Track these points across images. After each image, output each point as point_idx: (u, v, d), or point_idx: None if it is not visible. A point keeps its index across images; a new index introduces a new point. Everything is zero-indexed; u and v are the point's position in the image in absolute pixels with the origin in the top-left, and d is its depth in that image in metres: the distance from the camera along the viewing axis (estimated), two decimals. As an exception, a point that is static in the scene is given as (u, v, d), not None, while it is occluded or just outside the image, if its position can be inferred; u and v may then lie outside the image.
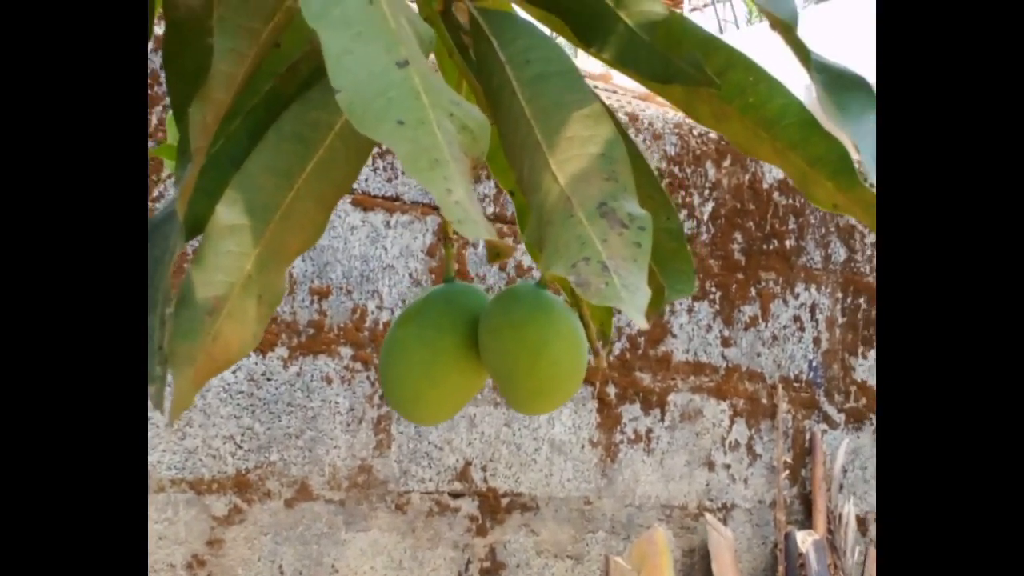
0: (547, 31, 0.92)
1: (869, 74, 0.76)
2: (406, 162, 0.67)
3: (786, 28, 0.78)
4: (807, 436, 3.09)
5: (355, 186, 2.55)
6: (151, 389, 0.78)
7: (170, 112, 1.34)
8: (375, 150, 1.65)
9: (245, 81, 0.89)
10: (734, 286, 2.99)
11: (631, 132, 2.86)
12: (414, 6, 0.96)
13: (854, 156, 0.85)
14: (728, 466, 3.00)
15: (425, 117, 0.69)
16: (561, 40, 1.01)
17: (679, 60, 0.87)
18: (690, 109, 0.92)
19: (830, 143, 0.85)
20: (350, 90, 0.70)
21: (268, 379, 2.46)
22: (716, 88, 0.87)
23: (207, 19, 0.95)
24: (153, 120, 2.39)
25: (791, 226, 3.08)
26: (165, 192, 2.39)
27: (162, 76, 2.36)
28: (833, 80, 0.79)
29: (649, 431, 2.90)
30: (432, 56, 1.01)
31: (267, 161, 0.86)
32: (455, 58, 0.92)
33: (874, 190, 0.79)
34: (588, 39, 0.91)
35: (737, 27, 10.07)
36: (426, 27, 0.78)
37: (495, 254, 0.91)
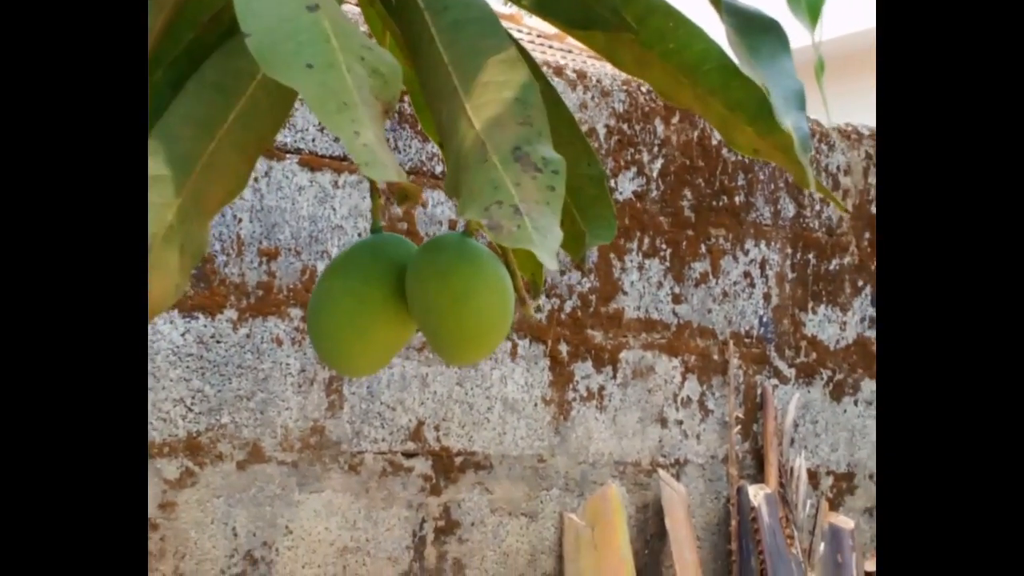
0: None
1: (782, 16, 0.77)
2: (313, 105, 0.67)
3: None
4: (758, 391, 3.11)
5: (302, 146, 2.54)
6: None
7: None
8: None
9: (164, 30, 0.89)
10: (684, 243, 3.00)
11: (579, 90, 2.85)
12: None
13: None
14: (680, 422, 3.02)
15: (335, 60, 0.69)
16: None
17: (598, 6, 0.87)
18: (612, 56, 0.92)
19: (749, 88, 0.86)
20: (259, 34, 0.70)
21: (218, 341, 2.46)
22: (635, 34, 0.87)
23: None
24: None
25: (740, 183, 3.09)
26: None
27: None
28: (744, 23, 0.80)
29: (601, 388, 2.91)
30: (357, 6, 1.01)
31: (188, 111, 0.85)
32: (376, 7, 0.92)
33: (791, 134, 0.79)
34: (509, -14, 0.91)
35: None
36: (340, -27, 0.78)
37: (403, 197, 0.91)
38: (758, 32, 0.80)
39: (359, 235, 2.61)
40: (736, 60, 0.82)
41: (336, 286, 0.93)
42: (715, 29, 0.88)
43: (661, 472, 2.96)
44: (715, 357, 3.06)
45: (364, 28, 0.98)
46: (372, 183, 0.97)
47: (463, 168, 0.74)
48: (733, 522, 3.01)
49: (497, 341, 0.91)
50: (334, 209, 2.58)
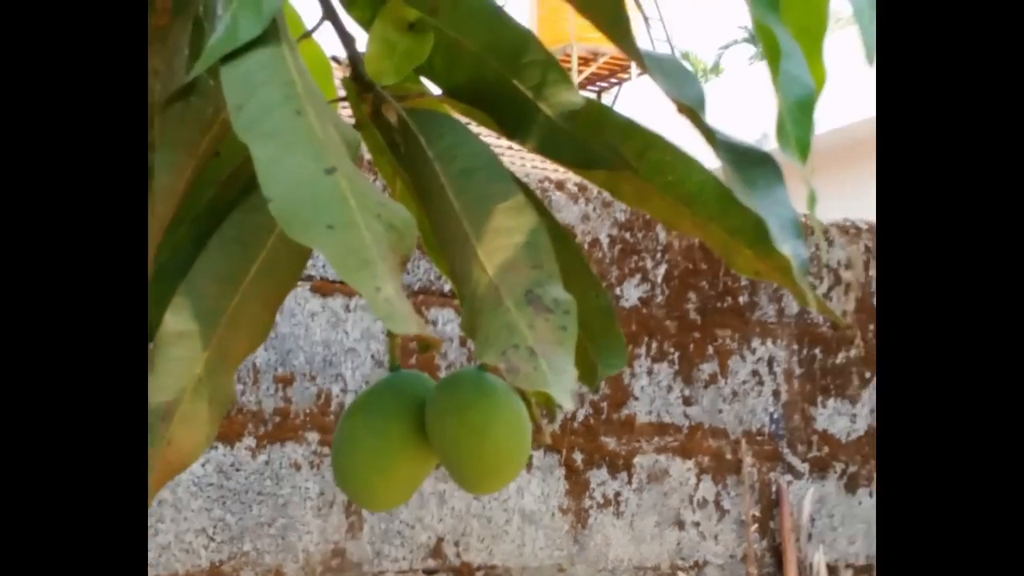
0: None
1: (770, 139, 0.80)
2: (335, 264, 0.70)
3: (692, 112, 0.83)
4: (773, 488, 3.12)
5: (314, 273, 2.59)
6: (110, 497, 0.80)
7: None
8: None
9: (186, 191, 0.93)
10: (692, 345, 3.04)
11: (580, 202, 2.91)
12: (344, 110, 1.00)
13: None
14: (697, 523, 3.03)
15: (353, 220, 0.73)
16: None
17: (599, 146, 0.91)
18: (614, 189, 0.96)
19: (746, 215, 0.89)
20: (281, 198, 0.74)
21: (237, 470, 2.48)
22: (634, 172, 0.91)
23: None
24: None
25: (743, 283, 3.13)
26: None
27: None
28: (739, 158, 0.84)
29: (617, 494, 2.92)
30: (367, 155, 1.05)
31: (211, 267, 0.89)
32: (387, 157, 0.96)
33: (788, 258, 0.82)
34: (511, 130, 0.95)
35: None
36: (353, 133, 0.82)
37: (425, 347, 0.95)
38: (752, 165, 0.84)
39: (371, 357, 2.65)
40: (732, 191, 0.86)
41: (358, 424, 0.96)
42: (708, 158, 0.92)
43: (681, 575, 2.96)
44: (728, 456, 3.08)
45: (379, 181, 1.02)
46: (391, 337, 1.01)
47: (478, 312, 0.77)
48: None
49: (516, 471, 0.94)
50: (346, 333, 2.62)
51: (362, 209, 0.74)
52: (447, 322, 2.74)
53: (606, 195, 2.94)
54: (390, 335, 1.00)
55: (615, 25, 0.84)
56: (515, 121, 0.95)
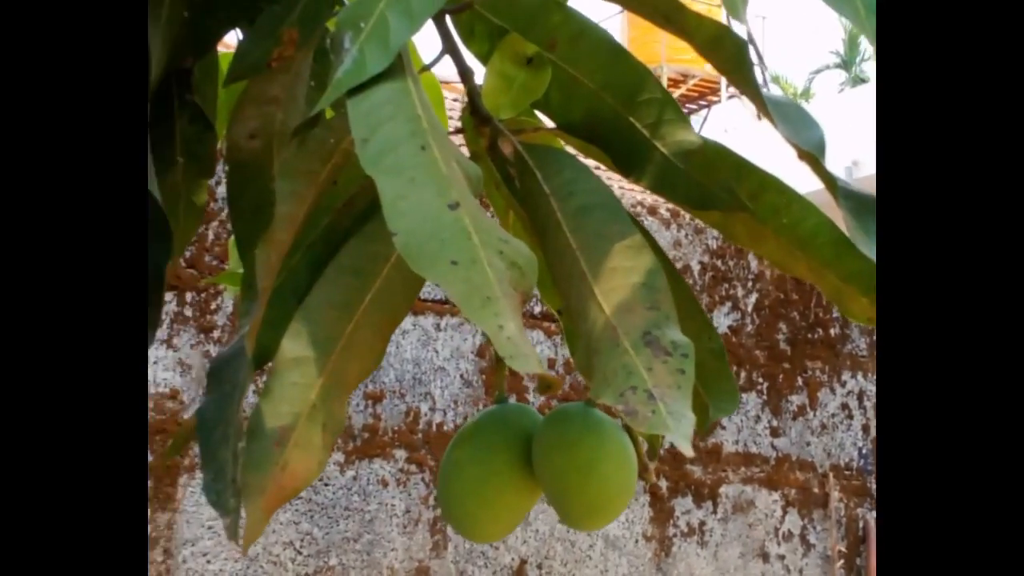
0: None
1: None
2: (459, 301, 0.71)
3: (813, 159, 0.82)
4: (860, 524, 3.09)
5: (405, 291, 2.61)
6: (226, 521, 0.81)
7: (232, 239, 1.40)
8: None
9: (305, 219, 0.95)
10: (781, 376, 3.01)
11: (672, 228, 2.90)
12: (460, 143, 1.01)
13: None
14: (782, 557, 3.00)
15: (476, 256, 0.73)
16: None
17: (714, 186, 0.91)
18: (726, 230, 0.96)
19: (862, 261, 0.89)
20: (405, 233, 0.74)
21: (325, 484, 2.50)
22: (750, 213, 0.91)
23: (267, 161, 1.01)
24: (210, 235, 2.46)
25: (835, 314, 3.11)
26: (222, 304, 2.45)
27: (217, 195, 2.43)
28: (858, 206, 0.83)
29: (702, 524, 2.91)
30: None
31: (328, 295, 0.90)
32: (502, 190, 0.96)
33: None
34: (627, 168, 0.95)
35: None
36: (475, 168, 0.82)
37: (545, 386, 0.95)
38: (871, 213, 0.84)
39: (460, 376, 2.66)
40: (852, 239, 0.85)
41: (464, 456, 0.97)
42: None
43: (765, 608, 2.94)
44: (815, 490, 3.05)
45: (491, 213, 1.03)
46: (498, 356, 1.01)
47: (595, 352, 0.78)
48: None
49: (621, 508, 0.94)
50: (436, 351, 2.64)
51: (485, 245, 0.74)
52: (536, 343, 2.75)
53: (699, 222, 2.93)
54: (499, 366, 1.00)
55: (738, 69, 0.84)
56: (630, 158, 0.96)
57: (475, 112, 0.98)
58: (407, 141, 0.79)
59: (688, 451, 0.69)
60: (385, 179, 0.77)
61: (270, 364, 0.88)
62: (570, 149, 1.01)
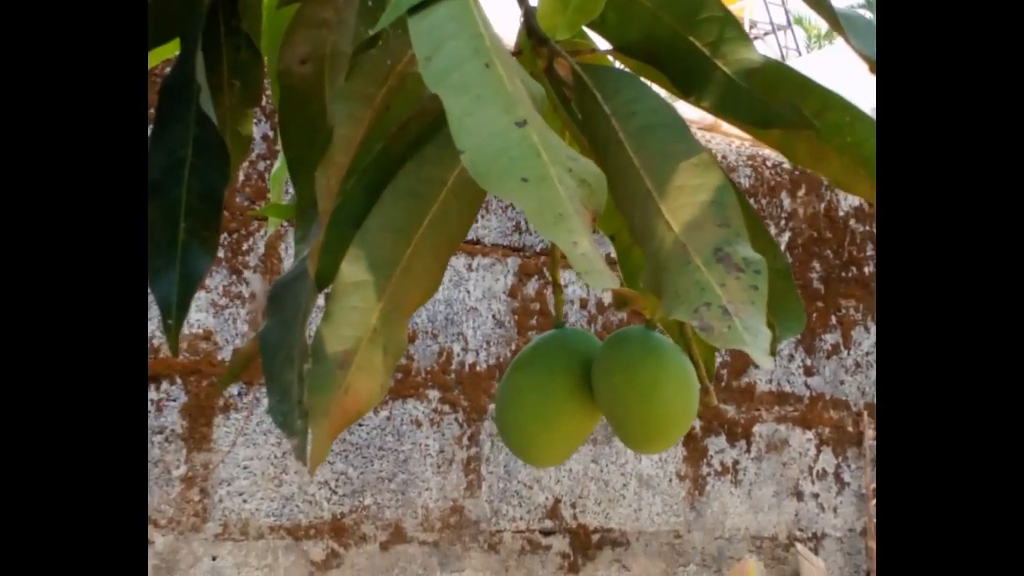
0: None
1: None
2: (533, 217, 0.70)
3: (885, 72, 0.81)
4: (895, 462, 3.08)
5: (437, 231, 2.60)
6: (293, 442, 0.81)
7: (273, 171, 1.39)
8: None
9: (361, 143, 0.94)
10: (815, 315, 3.00)
11: (706, 167, 2.88)
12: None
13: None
14: (816, 495, 3.00)
15: (546, 173, 0.72)
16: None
17: (777, 104, 0.90)
18: (788, 150, 0.94)
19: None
20: (473, 150, 0.73)
21: (359, 424, 2.50)
22: (815, 130, 0.90)
23: (319, 85, 1.00)
24: (240, 176, 2.45)
25: (869, 252, 3.08)
26: (254, 245, 2.44)
27: (258, 136, 2.42)
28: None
29: (736, 463, 2.90)
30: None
31: (385, 219, 0.89)
32: (559, 113, 0.95)
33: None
34: (686, 88, 0.94)
35: (799, 54, 10.09)
36: (538, 86, 0.81)
37: (622, 303, 0.94)
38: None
39: (492, 317, 2.65)
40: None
41: (523, 380, 0.96)
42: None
43: (799, 546, 2.94)
44: (849, 429, 3.04)
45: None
46: (554, 280, 1.00)
47: (664, 270, 0.76)
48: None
49: (683, 431, 0.94)
50: (468, 292, 2.63)
51: (554, 163, 0.73)
52: (569, 283, 2.74)
53: (730, 159, 2.91)
54: (556, 291, 0.99)
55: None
56: (690, 79, 0.94)
57: (531, 33, 0.96)
58: (471, 59, 0.78)
59: (768, 364, 0.68)
60: (451, 96, 0.75)
61: (328, 290, 0.87)
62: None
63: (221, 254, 2.40)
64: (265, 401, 2.40)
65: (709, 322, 0.71)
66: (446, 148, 0.92)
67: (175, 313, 0.86)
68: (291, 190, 1.06)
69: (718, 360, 2.88)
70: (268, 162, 2.45)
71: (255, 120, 2.39)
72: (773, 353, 0.96)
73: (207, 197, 0.89)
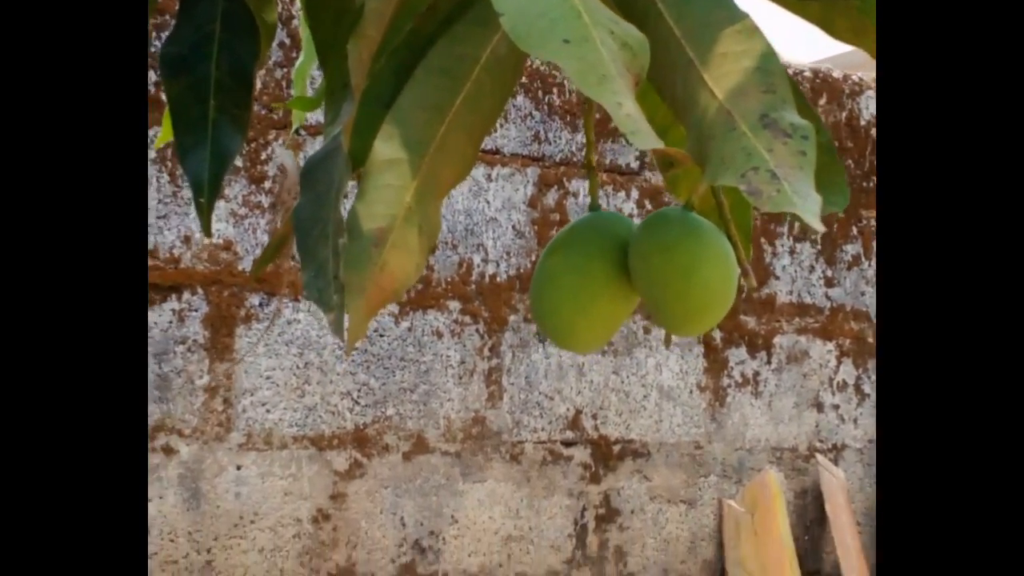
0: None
1: None
2: (576, 78, 0.68)
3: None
4: (916, 373, 3.08)
5: (456, 141, 2.58)
6: (329, 318, 0.80)
7: (296, 66, 1.37)
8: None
9: (390, 23, 0.92)
10: (835, 225, 2.98)
11: (727, 75, 2.85)
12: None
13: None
14: (837, 406, 3.00)
15: (588, 35, 0.70)
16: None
17: (819, -25, 0.87)
18: (827, 24, 0.92)
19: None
20: (513, 13, 0.71)
21: (381, 335, 2.50)
22: (854, 4, 0.87)
23: (345, -36, 0.97)
24: (256, 84, 2.42)
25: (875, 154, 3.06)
26: (273, 154, 2.42)
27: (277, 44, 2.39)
28: None
29: (756, 374, 2.90)
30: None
31: (418, 97, 0.88)
32: (596, -14, 0.93)
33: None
34: (725, -38, 0.91)
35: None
36: (575, -50, 0.79)
37: (668, 164, 0.93)
38: None
39: (512, 228, 2.64)
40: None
41: (558, 263, 0.94)
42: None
43: (819, 457, 2.94)
44: (870, 340, 3.03)
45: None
46: (588, 163, 0.98)
47: (709, 137, 0.75)
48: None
49: (722, 313, 0.92)
50: (488, 202, 2.61)
51: (596, 25, 0.71)
52: (583, 195, 2.72)
53: (753, 69, 2.87)
54: (591, 174, 0.97)
55: None
56: (729, -48, 0.91)
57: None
58: (507, -78, 0.76)
59: (819, 226, 0.66)
60: (487, -41, 0.73)
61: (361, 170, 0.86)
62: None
63: (240, 163, 2.38)
64: (287, 312, 2.39)
65: (757, 186, 0.69)
66: (478, 26, 0.90)
67: (207, 192, 0.85)
68: (315, 87, 1.04)
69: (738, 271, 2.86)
70: (285, 70, 2.43)
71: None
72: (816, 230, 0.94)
73: (237, 74, 0.87)
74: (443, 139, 0.87)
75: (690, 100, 0.78)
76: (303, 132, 2.43)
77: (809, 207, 0.68)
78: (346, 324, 0.81)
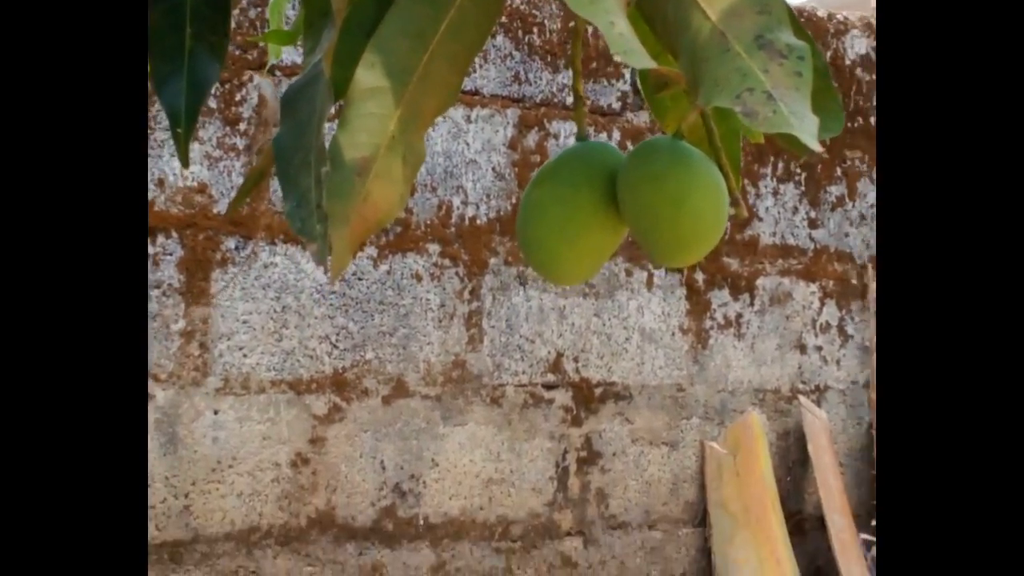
0: None
1: None
2: (568, -2, 0.66)
3: None
4: (898, 314, 3.08)
5: (435, 82, 2.54)
6: (312, 248, 0.78)
7: (271, 1, 1.34)
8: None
9: (371, -55, 0.89)
10: (819, 166, 2.96)
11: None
12: None
13: None
14: (820, 348, 2.99)
15: (579, -47, 0.68)
16: None
17: None
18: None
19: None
20: (500, -68, 0.69)
21: (359, 279, 2.48)
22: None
23: None
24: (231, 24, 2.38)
25: (875, 103, 3.03)
26: (247, 96, 2.38)
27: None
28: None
29: (739, 316, 2.89)
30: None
31: (401, 24, 0.85)
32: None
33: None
34: None
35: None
36: None
37: (661, 85, 0.90)
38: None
39: (492, 170, 2.61)
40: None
41: (545, 194, 0.92)
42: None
43: (802, 399, 2.94)
44: (853, 282, 3.02)
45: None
46: (576, 92, 0.96)
47: (702, 60, 0.73)
48: (876, 447, 2.98)
49: (713, 242, 0.90)
50: (467, 144, 2.58)
51: (586, -57, 0.69)
52: (569, 135, 2.70)
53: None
54: (578, 103, 0.95)
55: None
56: None
57: None
58: None
59: (816, 146, 0.64)
60: None
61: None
62: None
63: (213, 104, 2.35)
64: (263, 256, 2.37)
65: (753, 107, 0.67)
66: (462, -49, 0.88)
67: (184, 122, 0.82)
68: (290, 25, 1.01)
69: (721, 212, 2.85)
70: (259, 10, 2.39)
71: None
72: (811, 153, 0.92)
73: (213, 1, 0.85)
74: (426, 68, 0.85)
75: (682, 23, 0.76)
76: (278, 72, 2.40)
77: (806, 128, 0.66)
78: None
